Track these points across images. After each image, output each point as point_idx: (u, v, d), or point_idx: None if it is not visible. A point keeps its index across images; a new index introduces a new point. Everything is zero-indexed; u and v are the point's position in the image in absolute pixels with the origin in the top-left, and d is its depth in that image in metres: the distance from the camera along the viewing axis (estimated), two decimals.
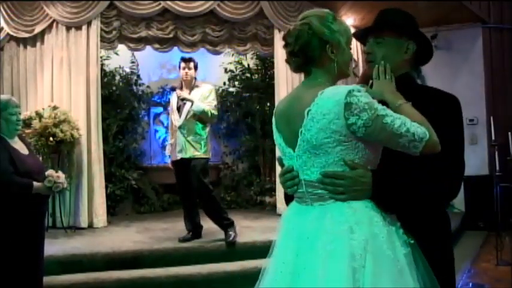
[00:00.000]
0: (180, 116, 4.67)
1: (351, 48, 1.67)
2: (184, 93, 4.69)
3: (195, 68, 4.79)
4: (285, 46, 1.64)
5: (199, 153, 4.61)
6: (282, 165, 1.68)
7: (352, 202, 1.50)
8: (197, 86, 4.73)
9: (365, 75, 1.89)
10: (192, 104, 4.59)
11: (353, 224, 1.45)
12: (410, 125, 1.48)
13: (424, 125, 1.52)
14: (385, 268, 1.42)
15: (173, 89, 5.17)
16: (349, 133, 1.47)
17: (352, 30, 1.76)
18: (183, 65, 4.75)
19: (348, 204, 1.50)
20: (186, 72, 4.71)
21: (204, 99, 4.64)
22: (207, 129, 4.77)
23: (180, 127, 4.64)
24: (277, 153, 1.74)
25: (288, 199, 1.73)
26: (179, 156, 4.63)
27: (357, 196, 1.51)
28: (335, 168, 1.51)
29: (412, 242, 1.52)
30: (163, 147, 7.51)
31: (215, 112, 4.72)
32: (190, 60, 4.80)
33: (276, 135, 1.68)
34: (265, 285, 1.59)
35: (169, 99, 7.47)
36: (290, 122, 1.59)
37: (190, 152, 4.60)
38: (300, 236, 1.52)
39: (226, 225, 4.64)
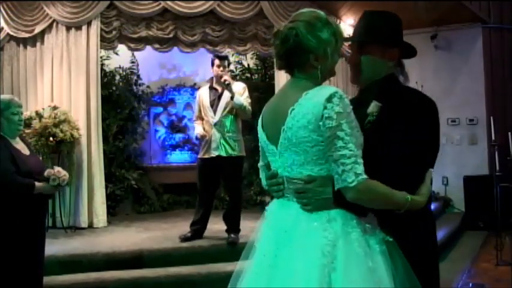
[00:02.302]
0: (215, 113, 4.62)
1: (339, 54, 1.68)
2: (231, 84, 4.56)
3: (228, 66, 4.76)
4: (272, 45, 1.68)
5: (235, 152, 4.58)
6: (268, 169, 1.76)
7: None
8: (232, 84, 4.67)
9: (354, 81, 1.91)
10: (232, 97, 4.50)
11: (325, 222, 1.52)
12: (350, 163, 1.47)
13: (383, 198, 1.52)
14: (355, 265, 1.46)
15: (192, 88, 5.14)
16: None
17: (351, 30, 1.76)
18: (218, 62, 4.68)
19: None
20: (222, 70, 4.66)
21: (239, 96, 4.58)
22: (240, 126, 4.75)
23: (215, 124, 4.59)
24: (260, 162, 1.86)
25: None
26: (215, 153, 4.56)
27: (322, 205, 1.55)
28: (313, 166, 1.56)
29: (391, 240, 1.57)
30: (163, 147, 7.54)
31: (251, 108, 4.68)
32: (225, 58, 4.80)
33: (261, 133, 1.73)
34: (247, 277, 1.66)
35: (169, 98, 7.57)
36: (275, 119, 1.64)
37: (227, 150, 4.56)
38: (280, 229, 1.60)
39: (235, 229, 4.65)
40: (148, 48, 6.34)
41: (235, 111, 4.59)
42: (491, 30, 7.38)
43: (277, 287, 1.52)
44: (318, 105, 1.50)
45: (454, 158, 7.38)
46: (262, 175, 1.86)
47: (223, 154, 4.55)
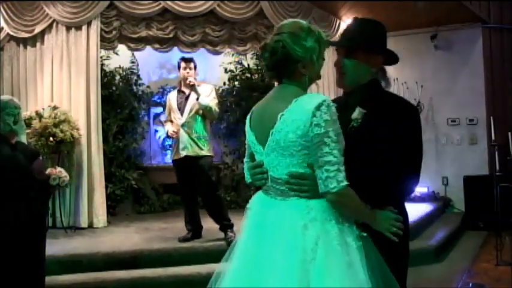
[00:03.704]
0: (182, 114, 4.68)
1: (323, 58, 1.79)
2: (196, 86, 4.67)
3: (195, 68, 4.82)
4: (261, 57, 1.79)
5: (204, 152, 4.63)
6: (253, 160, 1.89)
7: (310, 201, 1.67)
8: (198, 86, 4.74)
9: (339, 84, 2.01)
10: (197, 98, 4.58)
11: (307, 222, 1.63)
12: (334, 171, 1.60)
13: (358, 209, 1.68)
14: (334, 261, 1.59)
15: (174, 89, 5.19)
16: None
17: None
18: (183, 65, 4.76)
19: (306, 203, 1.67)
20: (188, 72, 4.72)
21: (205, 97, 4.66)
22: (208, 127, 4.82)
23: (182, 125, 4.65)
24: (245, 158, 2.03)
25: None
26: (183, 153, 4.61)
27: (317, 195, 1.66)
28: (298, 169, 1.68)
29: (365, 235, 1.70)
30: (163, 147, 7.53)
31: (217, 109, 4.80)
32: (191, 60, 4.83)
33: (249, 133, 1.85)
34: (230, 271, 1.76)
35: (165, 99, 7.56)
36: (263, 122, 1.75)
37: (195, 150, 4.61)
38: (262, 226, 1.72)
39: (227, 225, 4.65)
40: (148, 48, 6.34)
41: (202, 112, 4.65)
42: (491, 30, 7.38)
43: (259, 284, 1.62)
44: (307, 112, 1.61)
45: (454, 158, 7.38)
46: (246, 170, 1.96)
47: (192, 154, 4.60)
